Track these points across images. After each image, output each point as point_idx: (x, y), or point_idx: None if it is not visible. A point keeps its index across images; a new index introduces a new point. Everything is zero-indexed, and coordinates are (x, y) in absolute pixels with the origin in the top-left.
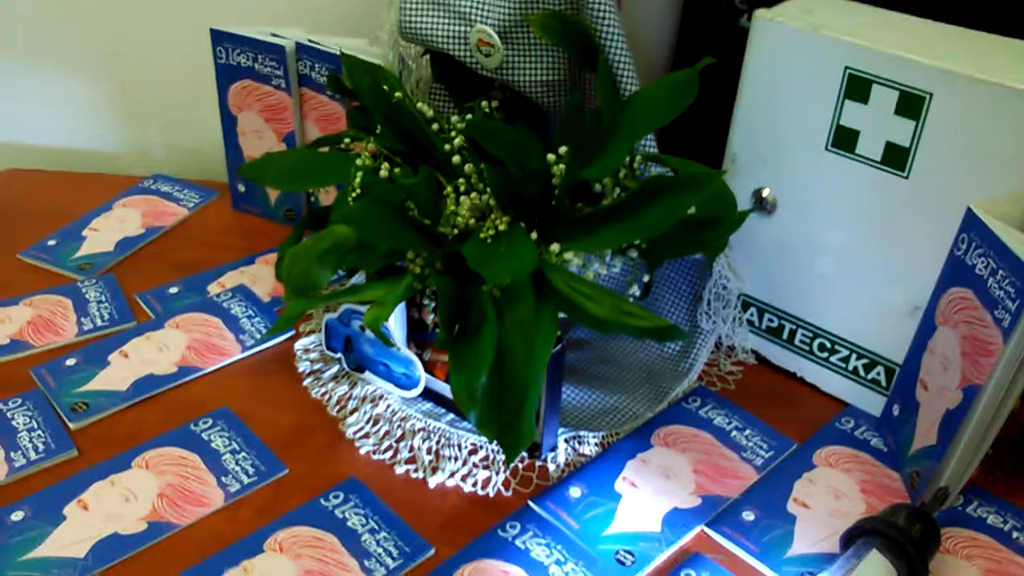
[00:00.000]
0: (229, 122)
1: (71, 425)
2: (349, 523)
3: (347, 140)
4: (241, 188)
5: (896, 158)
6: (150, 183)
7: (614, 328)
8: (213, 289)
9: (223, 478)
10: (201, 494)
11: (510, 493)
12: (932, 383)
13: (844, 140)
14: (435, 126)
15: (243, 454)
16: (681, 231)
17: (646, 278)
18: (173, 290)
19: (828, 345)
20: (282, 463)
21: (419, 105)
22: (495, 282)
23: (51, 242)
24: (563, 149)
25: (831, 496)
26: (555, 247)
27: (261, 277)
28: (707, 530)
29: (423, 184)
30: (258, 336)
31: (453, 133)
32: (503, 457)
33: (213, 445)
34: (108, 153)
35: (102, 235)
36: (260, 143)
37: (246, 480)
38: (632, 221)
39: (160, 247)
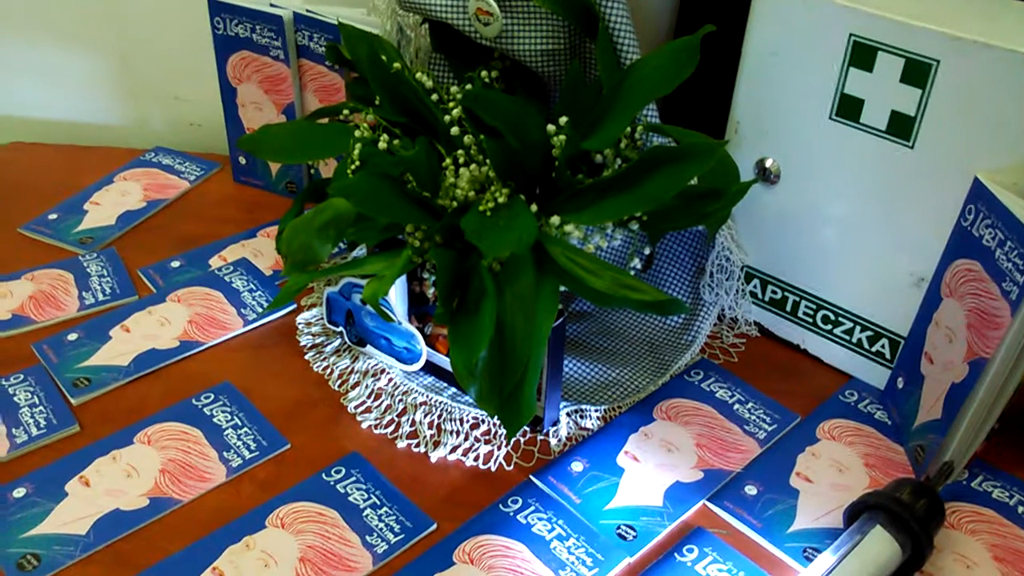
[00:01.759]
0: (228, 94)
1: (73, 400)
2: (351, 498)
3: (346, 112)
4: (242, 160)
5: (902, 127)
6: (151, 156)
7: (615, 302)
8: (215, 263)
9: (225, 453)
10: (203, 469)
11: (512, 467)
12: (937, 356)
13: (848, 109)
14: (434, 97)
15: (245, 429)
16: (683, 203)
17: (648, 251)
18: (175, 264)
19: (832, 317)
20: (284, 438)
21: (418, 75)
22: (494, 255)
23: (52, 216)
24: (563, 120)
25: (834, 470)
26: (555, 219)
27: (263, 250)
28: (709, 504)
29: (421, 156)
30: (260, 310)
31: (451, 104)
32: (504, 431)
33: (215, 420)
34: (109, 126)
35: (103, 209)
36: (260, 115)
37: (248, 455)
38: (633, 193)
39: (161, 220)
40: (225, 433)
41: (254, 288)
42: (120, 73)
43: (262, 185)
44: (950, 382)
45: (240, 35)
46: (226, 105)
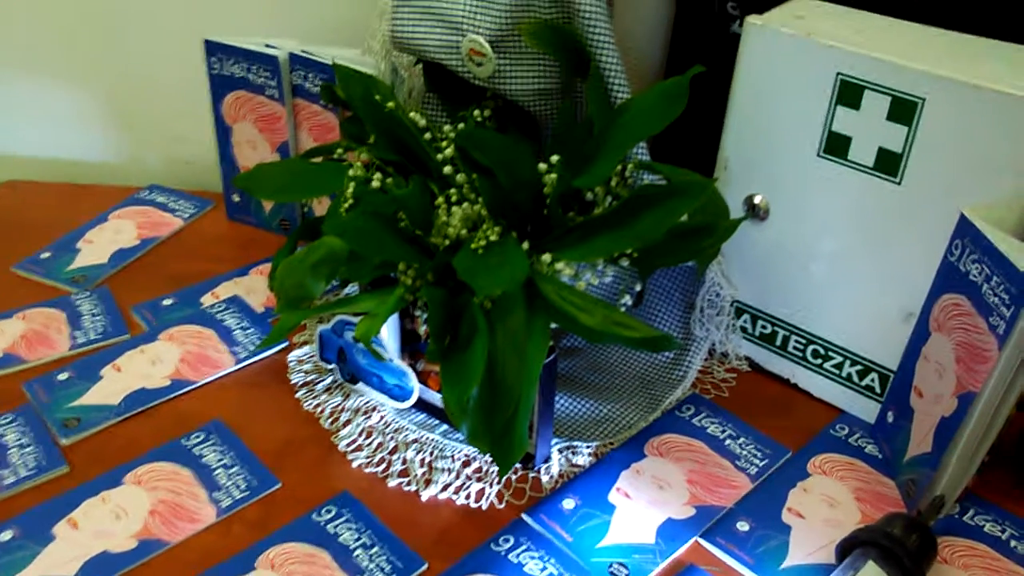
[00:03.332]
0: (223, 133)
1: (62, 441)
2: (341, 538)
3: (340, 150)
4: (236, 198)
5: (889, 164)
6: (145, 194)
7: (606, 339)
8: (207, 300)
9: (215, 493)
10: (193, 510)
11: (503, 505)
12: (927, 390)
13: (836, 146)
14: (428, 136)
15: (235, 468)
16: (673, 239)
17: (638, 287)
18: (167, 302)
19: (822, 351)
20: (275, 477)
21: (411, 115)
22: (486, 294)
23: (45, 255)
24: (555, 158)
25: (826, 505)
26: (547, 257)
27: (255, 288)
28: (702, 541)
29: (414, 194)
30: (252, 348)
31: (444, 143)
32: (496, 469)
33: (205, 459)
34: (104, 164)
35: (96, 247)
36: (254, 153)
37: (238, 495)
38: (624, 230)
39: (155, 258)
40: (215, 473)
41: (246, 326)
42: (116, 111)
43: (255, 223)
44: (940, 416)
45: (236, 75)
46: (221, 144)
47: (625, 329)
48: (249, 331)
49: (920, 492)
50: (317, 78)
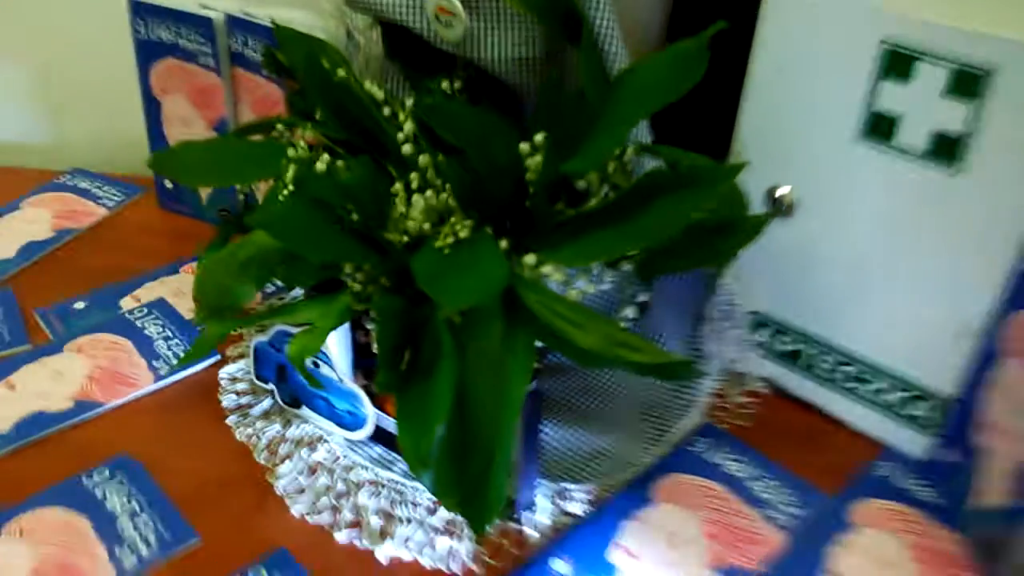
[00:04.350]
0: (152, 107)
1: None
2: None
3: (280, 127)
4: (168, 184)
5: (945, 150)
6: (67, 179)
7: (608, 363)
8: (126, 304)
9: (117, 549)
10: (88, 574)
11: (481, 570)
12: (999, 425)
13: (879, 129)
14: (387, 111)
15: (144, 517)
16: (687, 239)
17: (643, 297)
18: (78, 305)
19: (858, 373)
20: (192, 529)
21: (367, 86)
22: (453, 307)
23: None
24: (539, 137)
25: (876, 566)
26: (530, 259)
27: (185, 289)
28: None
29: (364, 178)
30: (174, 363)
31: (403, 117)
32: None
33: (108, 504)
34: (24, 144)
35: (3, 239)
36: (188, 131)
37: (145, 552)
38: (627, 226)
39: (70, 253)
40: (119, 522)
41: (170, 335)
42: (36, 84)
43: (190, 212)
44: (1020, 459)
45: (165, 40)
46: (149, 120)
47: (630, 351)
48: (173, 342)
49: (1002, 556)
50: (259, 44)
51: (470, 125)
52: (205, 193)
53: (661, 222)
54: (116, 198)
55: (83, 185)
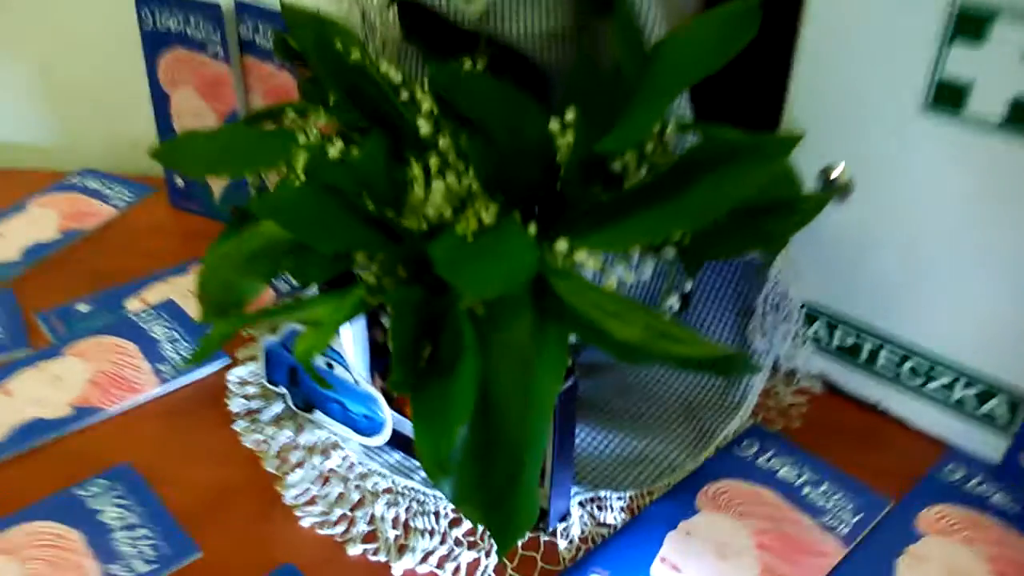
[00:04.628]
0: (161, 102)
1: None
2: None
3: (291, 113)
4: (179, 182)
5: None
6: (75, 179)
7: (650, 357)
8: (133, 306)
9: (111, 566)
10: None
11: None
12: None
13: (948, 97)
14: (405, 95)
15: (143, 531)
16: (734, 221)
17: (688, 285)
18: (82, 307)
19: (923, 368)
20: (194, 543)
21: (383, 69)
22: (476, 295)
23: None
24: (570, 114)
25: None
26: (562, 245)
27: (194, 290)
28: None
29: (377, 159)
30: (182, 366)
31: (420, 95)
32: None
33: (103, 517)
34: (33, 146)
35: (7, 240)
36: (199, 125)
37: (142, 568)
38: (669, 206)
39: (77, 254)
40: (114, 536)
41: (177, 338)
42: (46, 84)
43: (202, 211)
44: None
45: (172, 30)
46: (159, 115)
47: (676, 344)
48: (180, 344)
49: None
50: (270, 30)
51: (494, 100)
52: (218, 191)
53: (707, 201)
54: (126, 198)
55: (92, 185)
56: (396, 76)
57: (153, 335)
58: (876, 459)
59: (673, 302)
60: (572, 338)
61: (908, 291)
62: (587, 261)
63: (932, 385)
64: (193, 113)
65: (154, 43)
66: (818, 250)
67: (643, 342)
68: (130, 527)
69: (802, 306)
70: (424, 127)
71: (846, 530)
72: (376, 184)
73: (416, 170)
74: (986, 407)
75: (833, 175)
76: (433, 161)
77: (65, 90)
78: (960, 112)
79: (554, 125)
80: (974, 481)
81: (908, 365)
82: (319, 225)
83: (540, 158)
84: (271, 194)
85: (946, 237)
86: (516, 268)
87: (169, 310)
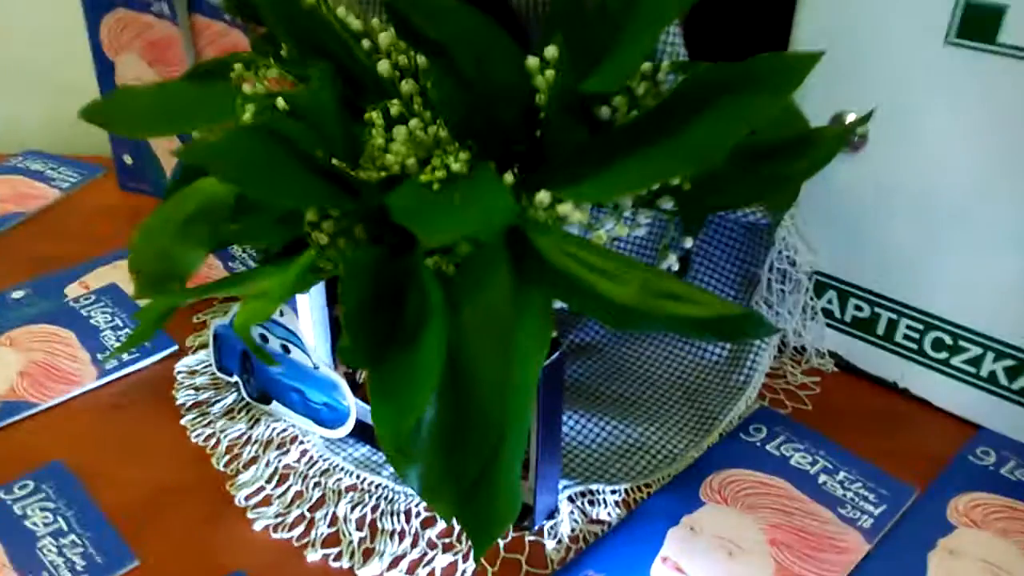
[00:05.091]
0: (105, 69)
1: None
2: None
3: (238, 67)
4: (128, 160)
5: None
6: (18, 161)
7: (647, 321)
8: (72, 291)
9: None
10: None
11: None
12: None
13: (977, 26)
14: (366, 44)
15: (72, 537)
16: (742, 163)
17: (688, 242)
18: (17, 294)
19: (948, 341)
20: (130, 551)
21: (340, 14)
22: (437, 241)
23: None
24: (552, 50)
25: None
26: (543, 196)
27: None
28: None
29: (321, 94)
30: (121, 356)
31: (377, 24)
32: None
33: (28, 523)
34: None
35: None
36: None
37: None
38: (667, 146)
39: (16, 239)
40: (40, 545)
41: (120, 325)
42: None
43: (153, 192)
44: None
45: None
46: (102, 84)
47: (680, 303)
48: (123, 332)
49: None
50: None
51: (460, 21)
52: (169, 167)
53: (708, 139)
54: (71, 179)
55: (36, 167)
56: (356, 23)
57: (93, 322)
58: (897, 444)
59: (672, 262)
60: (557, 304)
61: (931, 255)
62: (572, 214)
63: (957, 359)
64: (139, 80)
65: (95, 5)
66: (830, 211)
67: (641, 304)
68: (58, 533)
69: (812, 275)
70: (384, 67)
71: (869, 523)
72: (325, 125)
73: (375, 114)
74: (1018, 382)
75: (846, 123)
76: (395, 107)
77: (1, 66)
78: (993, 41)
79: (532, 61)
80: (1009, 465)
81: (930, 338)
82: (261, 172)
83: (516, 100)
84: (206, 140)
85: (975, 190)
86: (488, 213)
87: (112, 295)
